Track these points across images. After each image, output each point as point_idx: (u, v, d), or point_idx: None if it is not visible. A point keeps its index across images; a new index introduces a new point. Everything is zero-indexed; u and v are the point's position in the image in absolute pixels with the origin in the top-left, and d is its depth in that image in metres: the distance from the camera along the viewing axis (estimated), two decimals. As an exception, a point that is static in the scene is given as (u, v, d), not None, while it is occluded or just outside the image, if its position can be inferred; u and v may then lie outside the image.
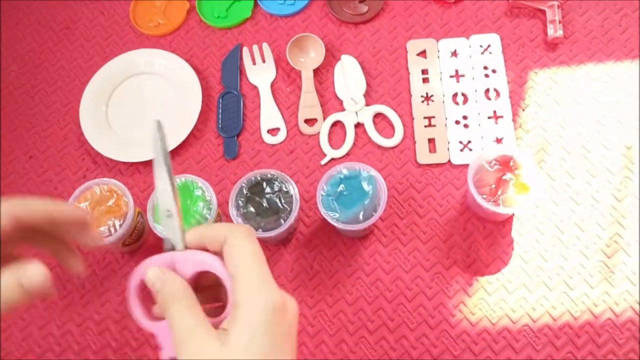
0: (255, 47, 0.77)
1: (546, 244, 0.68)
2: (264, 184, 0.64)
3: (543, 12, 0.77)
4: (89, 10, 0.83)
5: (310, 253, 0.70)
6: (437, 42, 0.77)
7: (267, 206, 0.63)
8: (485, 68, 0.75)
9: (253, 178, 0.64)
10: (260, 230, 0.62)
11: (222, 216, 0.70)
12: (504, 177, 0.63)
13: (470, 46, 0.76)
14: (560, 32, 0.74)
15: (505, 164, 0.63)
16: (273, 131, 0.75)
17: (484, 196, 0.62)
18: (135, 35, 0.81)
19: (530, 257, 0.68)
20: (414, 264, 0.68)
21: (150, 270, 0.39)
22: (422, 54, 0.77)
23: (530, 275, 0.67)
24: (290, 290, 0.68)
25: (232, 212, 0.63)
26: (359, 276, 0.68)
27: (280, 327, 0.36)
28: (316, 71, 0.77)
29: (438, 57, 0.76)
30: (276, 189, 0.64)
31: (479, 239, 0.69)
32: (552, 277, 0.67)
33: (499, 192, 0.62)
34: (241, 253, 0.37)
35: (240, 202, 0.63)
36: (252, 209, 0.63)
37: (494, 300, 0.66)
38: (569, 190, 0.70)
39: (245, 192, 0.64)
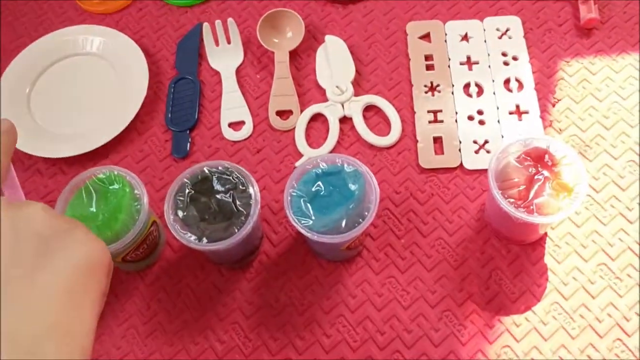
0: (219, 25, 0.62)
1: (591, 274, 0.51)
2: (214, 180, 0.48)
3: (573, -7, 0.63)
4: (22, -17, 0.70)
5: (276, 281, 0.52)
6: (444, 24, 0.62)
7: (217, 209, 0.46)
8: (504, 55, 0.61)
9: (199, 172, 0.48)
10: (205, 240, 0.45)
11: (159, 223, 0.53)
12: (537, 176, 0.46)
13: (484, 29, 0.62)
14: (595, 14, 0.60)
15: (539, 158, 0.47)
16: (236, 125, 0.59)
17: (511, 200, 0.46)
18: (77, 14, 0.67)
19: (570, 292, 0.50)
20: (415, 297, 0.51)
21: None
22: (426, 37, 0.62)
23: (572, 315, 0.49)
24: (248, 330, 0.50)
25: (168, 215, 0.46)
26: (341, 312, 0.50)
27: None
28: (293, 55, 0.62)
29: (445, 41, 0.62)
30: (229, 186, 0.47)
31: (502, 266, 0.52)
32: (602, 319, 0.49)
33: (531, 196, 0.46)
34: None
35: (179, 202, 0.47)
36: (194, 212, 0.46)
37: (523, 349, 0.48)
38: (618, 205, 0.53)
39: (187, 190, 0.47)
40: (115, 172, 0.48)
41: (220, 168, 0.48)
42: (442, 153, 0.56)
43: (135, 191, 0.48)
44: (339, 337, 0.50)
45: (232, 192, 0.47)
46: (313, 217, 0.46)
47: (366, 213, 0.46)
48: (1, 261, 0.27)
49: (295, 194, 0.47)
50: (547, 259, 0.52)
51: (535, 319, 0.50)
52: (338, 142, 0.57)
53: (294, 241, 0.54)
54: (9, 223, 0.28)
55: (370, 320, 0.50)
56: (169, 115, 0.59)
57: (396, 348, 0.49)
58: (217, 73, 0.62)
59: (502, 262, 0.52)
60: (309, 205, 0.46)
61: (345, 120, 0.58)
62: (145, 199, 0.47)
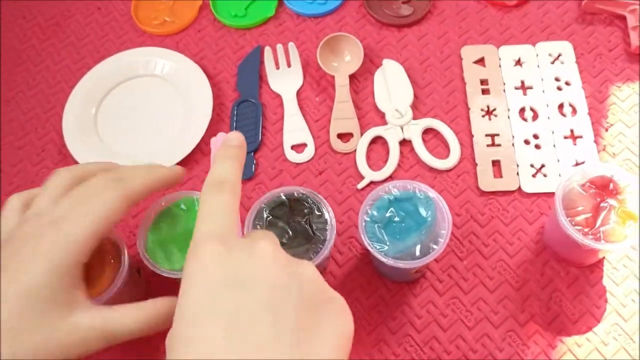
0: (279, 48, 0.64)
1: (649, 296, 0.53)
2: (290, 206, 0.49)
3: (622, 18, 0.65)
4: (84, 5, 0.71)
5: (343, 300, 0.54)
6: (498, 49, 0.64)
7: (294, 234, 0.48)
8: (557, 80, 0.62)
9: (276, 198, 0.50)
10: (284, 265, 0.47)
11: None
12: (602, 204, 0.48)
13: (537, 55, 0.64)
14: (646, 40, 0.62)
15: (604, 187, 0.49)
16: (298, 147, 0.61)
17: (578, 228, 0.48)
18: (137, 35, 0.69)
19: (630, 313, 0.52)
20: (479, 318, 0.53)
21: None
22: (480, 62, 0.64)
23: (631, 336, 0.51)
24: (318, 349, 0.52)
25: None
26: (408, 332, 0.52)
27: None
28: (352, 78, 0.63)
29: (499, 65, 0.63)
30: (306, 211, 0.49)
31: (562, 288, 0.53)
32: (662, 341, 0.51)
33: (598, 223, 0.48)
34: None
35: (258, 226, 0.49)
36: (274, 237, 0.48)
37: (586, 369, 0.50)
38: (672, 229, 0.55)
39: (265, 215, 0.49)
40: (195, 197, 0.50)
41: (295, 194, 0.50)
42: (501, 176, 0.58)
43: (215, 215, 0.49)
44: (407, 357, 0.51)
45: (308, 217, 0.49)
46: (388, 243, 0.47)
47: (440, 239, 0.47)
48: (291, 321, 0.27)
49: (369, 219, 0.49)
50: (606, 281, 0.54)
51: (597, 339, 0.51)
52: (398, 164, 0.59)
53: (358, 261, 0.56)
54: (295, 282, 0.28)
55: (436, 340, 0.52)
56: (233, 137, 0.61)
57: (462, 367, 0.51)
58: (278, 95, 0.64)
59: (562, 284, 0.54)
60: (383, 231, 0.48)
61: (404, 143, 0.60)
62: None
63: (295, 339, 0.27)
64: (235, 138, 0.37)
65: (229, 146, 0.36)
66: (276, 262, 0.29)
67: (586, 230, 0.47)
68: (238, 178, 0.34)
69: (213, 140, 0.37)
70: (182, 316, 0.28)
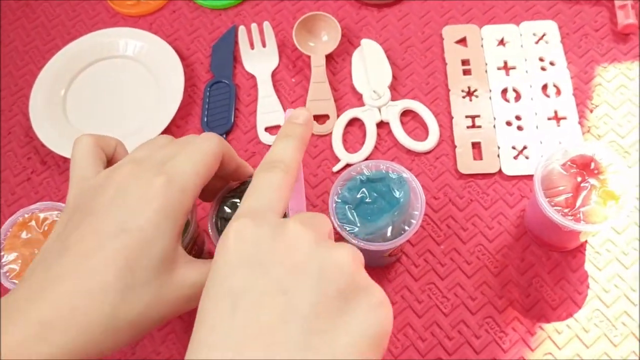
0: (254, 28, 0.62)
1: (633, 281, 0.51)
2: (258, 186, 0.47)
3: (609, -3, 0.63)
4: (55, -15, 0.69)
5: (316, 286, 0.52)
6: (480, 28, 0.62)
7: (261, 215, 0.46)
8: (542, 60, 0.60)
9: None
10: (250, 247, 0.45)
11: (204, 233, 0.53)
12: (583, 184, 0.46)
13: (521, 34, 0.62)
14: (633, 19, 0.60)
15: (585, 166, 0.47)
16: (272, 129, 0.59)
17: (558, 209, 0.46)
18: (109, 15, 0.67)
19: (612, 299, 0.50)
20: (456, 304, 0.51)
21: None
22: (462, 42, 0.62)
23: (614, 323, 0.49)
24: (288, 336, 0.50)
25: (211, 224, 0.46)
26: (382, 318, 0.50)
27: None
28: (328, 59, 0.61)
29: (482, 45, 0.61)
30: (274, 192, 0.47)
31: (542, 273, 0.51)
32: (645, 327, 0.49)
33: (578, 204, 0.46)
34: None
35: (224, 206, 0.47)
36: (239, 219, 0.46)
37: (566, 356, 0.48)
38: (658, 212, 0.53)
39: (230, 196, 0.47)
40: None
41: (264, 174, 0.48)
42: (481, 158, 0.56)
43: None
44: (380, 344, 0.49)
45: (276, 198, 0.47)
46: (358, 224, 0.45)
47: (413, 221, 0.45)
48: (305, 308, 0.24)
49: (339, 200, 0.47)
50: (588, 266, 0.52)
51: (577, 326, 0.49)
52: (375, 147, 0.57)
53: (332, 246, 0.54)
54: (316, 266, 0.26)
55: (411, 327, 0.50)
56: (205, 119, 0.59)
57: (437, 355, 0.49)
58: (252, 76, 0.62)
59: (542, 269, 0.52)
60: (354, 212, 0.46)
61: (382, 125, 0.58)
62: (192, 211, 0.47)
63: (308, 327, 0.24)
64: (301, 114, 0.34)
65: (293, 124, 0.34)
66: (302, 243, 0.26)
67: (566, 210, 0.45)
68: (295, 157, 0.32)
69: (285, 116, 0.35)
70: (205, 290, 0.27)
